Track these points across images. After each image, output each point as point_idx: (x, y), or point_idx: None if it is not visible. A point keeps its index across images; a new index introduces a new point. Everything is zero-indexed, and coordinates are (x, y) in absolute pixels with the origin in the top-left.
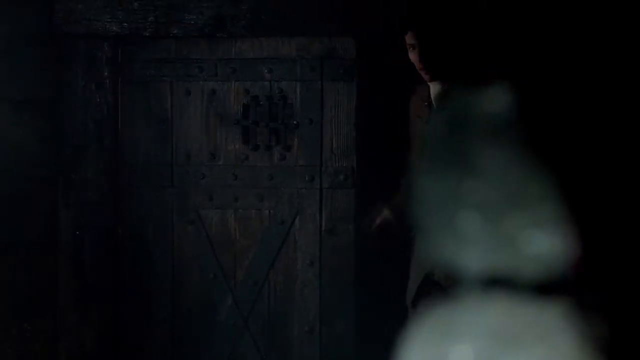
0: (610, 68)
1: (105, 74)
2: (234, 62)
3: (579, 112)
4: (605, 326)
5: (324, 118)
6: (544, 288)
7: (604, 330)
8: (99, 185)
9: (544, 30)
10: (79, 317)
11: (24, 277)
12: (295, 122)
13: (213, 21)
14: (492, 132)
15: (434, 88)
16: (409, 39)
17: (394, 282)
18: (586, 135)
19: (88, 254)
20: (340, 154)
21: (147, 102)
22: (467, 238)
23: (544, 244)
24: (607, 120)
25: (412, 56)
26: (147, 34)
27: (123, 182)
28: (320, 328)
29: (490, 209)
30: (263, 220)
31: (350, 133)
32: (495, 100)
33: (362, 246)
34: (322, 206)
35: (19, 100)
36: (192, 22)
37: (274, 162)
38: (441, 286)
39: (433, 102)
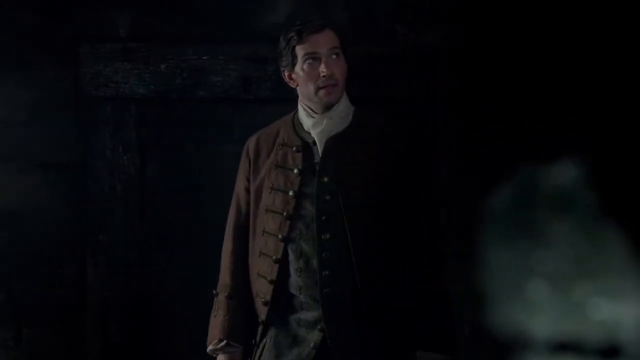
0: None
1: (133, 136)
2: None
3: None
4: None
5: None
6: (610, 352)
7: None
8: (126, 248)
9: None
10: None
11: (55, 339)
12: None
13: (239, 83)
14: (561, 204)
15: (322, 121)
16: (309, 46)
17: None
18: None
19: (115, 315)
20: None
21: (174, 165)
22: (536, 305)
23: (610, 311)
24: None
25: (314, 69)
26: (174, 96)
27: (150, 245)
28: None
29: (559, 277)
30: None
31: None
32: (564, 173)
33: None
34: None
35: (47, 163)
36: (219, 84)
37: None
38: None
39: (317, 143)
